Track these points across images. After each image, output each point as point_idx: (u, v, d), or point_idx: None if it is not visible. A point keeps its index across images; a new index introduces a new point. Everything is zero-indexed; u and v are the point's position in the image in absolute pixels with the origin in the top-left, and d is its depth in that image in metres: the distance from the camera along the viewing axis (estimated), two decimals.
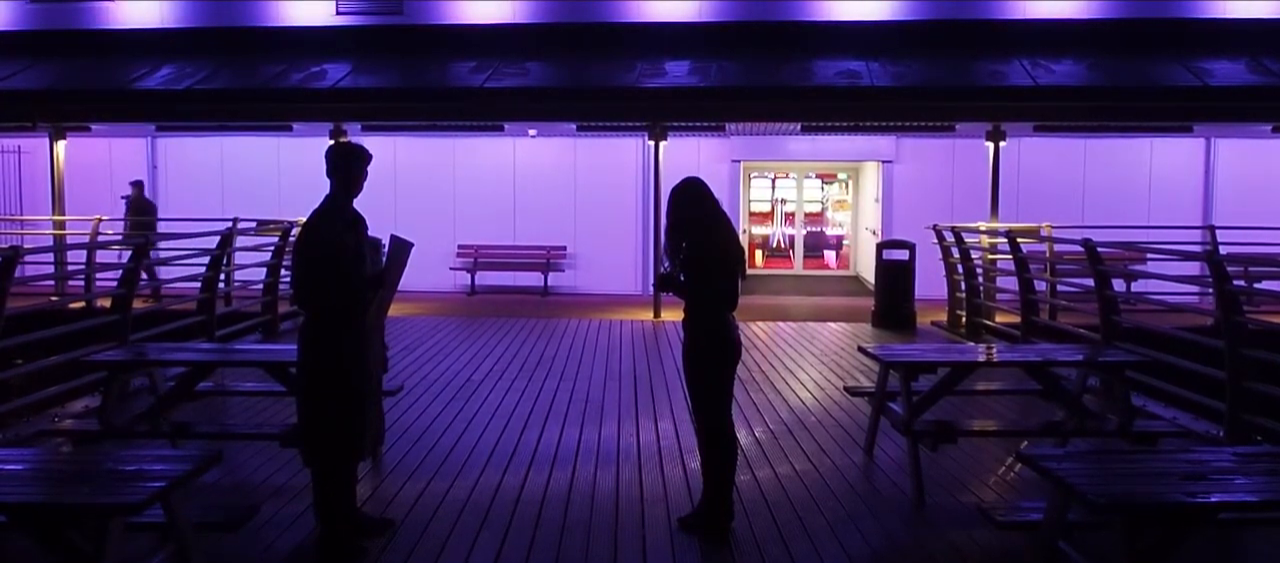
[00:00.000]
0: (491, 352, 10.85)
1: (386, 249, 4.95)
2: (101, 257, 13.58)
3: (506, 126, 17.53)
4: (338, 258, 4.66)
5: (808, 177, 21.89)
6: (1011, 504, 5.41)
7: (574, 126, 17.48)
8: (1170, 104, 14.21)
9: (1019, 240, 10.79)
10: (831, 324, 13.40)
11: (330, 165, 4.80)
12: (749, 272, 5.26)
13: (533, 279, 18.07)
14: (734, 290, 5.07)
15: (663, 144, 14.80)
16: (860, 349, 7.14)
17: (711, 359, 5.05)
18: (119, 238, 15.68)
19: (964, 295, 12.57)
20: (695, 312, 5.08)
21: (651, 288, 15.76)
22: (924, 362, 6.19)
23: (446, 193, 18.27)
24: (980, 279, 12.63)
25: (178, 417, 6.54)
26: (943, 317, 13.33)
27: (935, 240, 13.10)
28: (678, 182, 5.18)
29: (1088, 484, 3.77)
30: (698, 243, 5.03)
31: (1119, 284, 11.91)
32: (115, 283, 8.71)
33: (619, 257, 18.03)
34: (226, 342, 9.81)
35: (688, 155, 17.25)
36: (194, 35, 16.20)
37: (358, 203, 4.90)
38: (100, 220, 15.07)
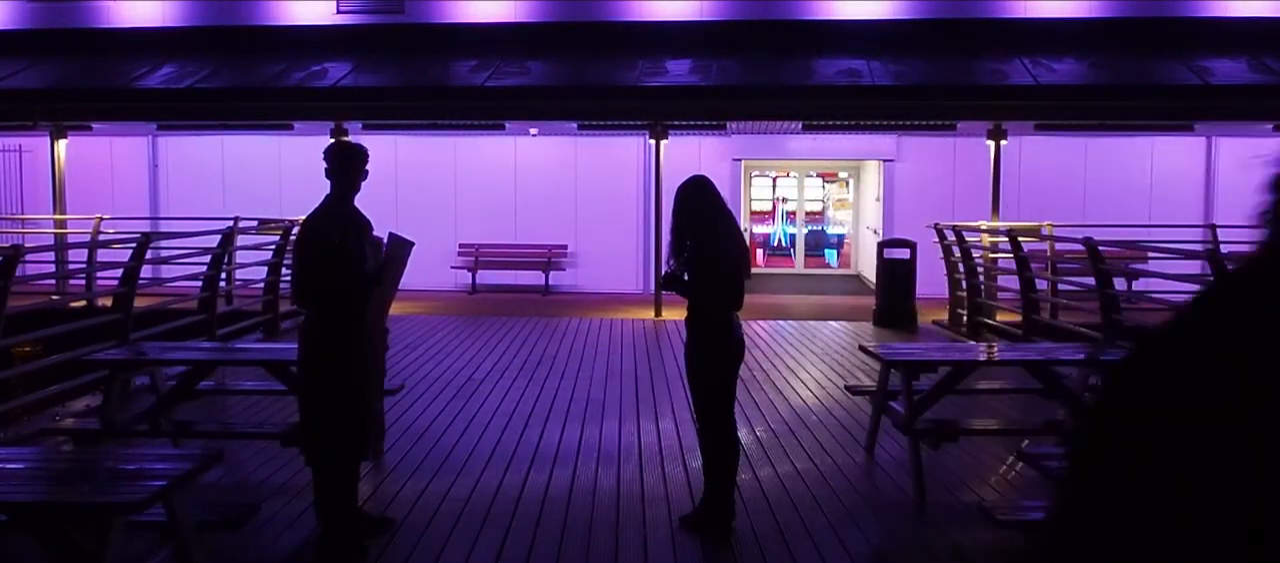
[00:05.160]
0: (492, 351, 10.85)
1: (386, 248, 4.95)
2: (102, 255, 13.57)
3: (507, 125, 17.53)
4: (336, 257, 4.66)
5: (809, 175, 21.89)
6: (1013, 503, 5.41)
7: (575, 125, 17.47)
8: (1171, 103, 14.21)
9: (1020, 239, 10.79)
10: (833, 323, 13.39)
11: (329, 165, 4.81)
12: (751, 270, 5.23)
13: (534, 278, 18.07)
14: (739, 290, 5.06)
15: (664, 143, 14.80)
16: (861, 348, 7.15)
17: (714, 359, 5.04)
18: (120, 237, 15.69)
19: (965, 294, 12.57)
20: (699, 311, 5.08)
21: (653, 286, 15.76)
22: (925, 360, 6.19)
23: (447, 192, 18.27)
24: (981, 278, 12.63)
25: (179, 416, 6.54)
26: (944, 315, 13.33)
27: (936, 239, 13.09)
28: (684, 179, 5.17)
29: None
30: (702, 242, 5.02)
31: (1120, 283, 11.90)
32: (116, 282, 8.72)
33: (620, 255, 18.02)
34: (227, 341, 9.81)
35: (689, 154, 17.23)
36: (195, 34, 16.20)
37: (358, 201, 4.90)
38: (101, 219, 15.08)
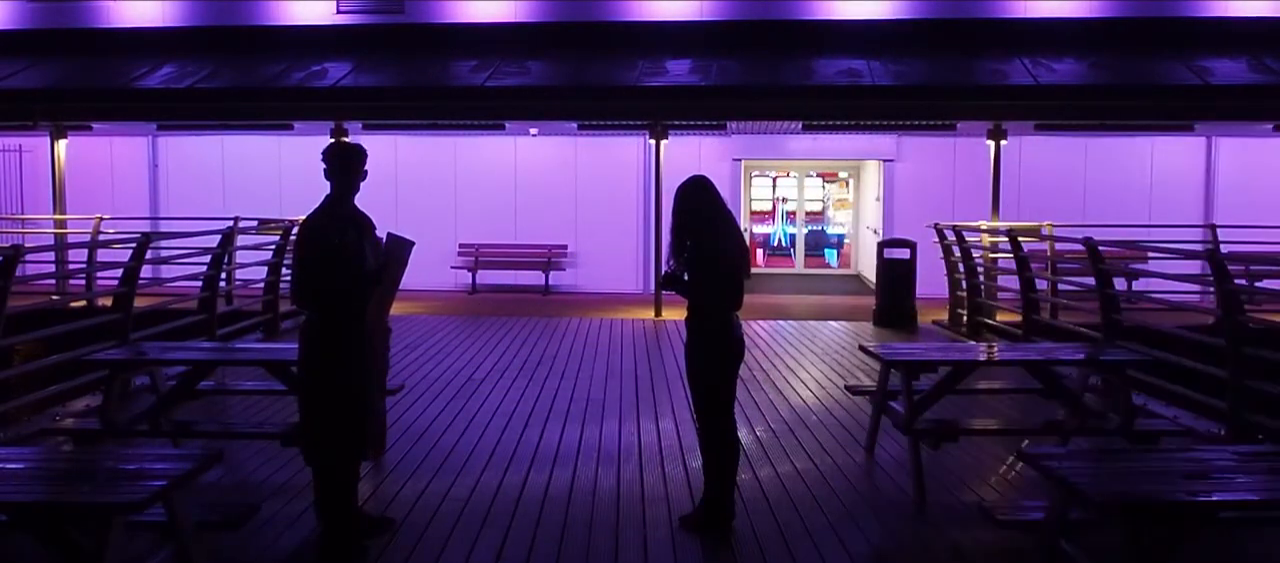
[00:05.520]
0: (493, 351, 10.85)
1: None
2: (102, 255, 13.58)
3: (507, 125, 17.53)
4: (336, 257, 4.66)
5: (809, 175, 21.89)
6: (1013, 503, 5.41)
7: (575, 125, 17.47)
8: (1171, 103, 14.20)
9: (1020, 239, 10.78)
10: (833, 323, 13.39)
11: (328, 165, 4.81)
12: (751, 270, 5.23)
13: (534, 278, 18.07)
14: (739, 290, 5.06)
15: (664, 143, 14.80)
16: (861, 348, 7.14)
17: (714, 359, 5.04)
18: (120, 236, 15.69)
19: (965, 294, 12.57)
20: (699, 311, 5.08)
21: (653, 286, 15.77)
22: (925, 360, 6.18)
23: (447, 192, 18.28)
24: (981, 278, 12.62)
25: (179, 416, 6.54)
26: (944, 315, 13.33)
27: (936, 239, 13.09)
28: (684, 179, 5.17)
29: (1089, 483, 3.77)
30: (702, 242, 5.02)
31: (1120, 283, 11.89)
32: (116, 282, 8.71)
33: (620, 255, 18.03)
34: (227, 341, 9.81)
35: (689, 154, 17.25)
36: (195, 34, 16.20)
37: (358, 202, 4.91)
38: (101, 219, 15.08)
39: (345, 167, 4.79)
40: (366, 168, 4.89)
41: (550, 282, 17.95)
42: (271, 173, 17.96)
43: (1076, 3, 15.44)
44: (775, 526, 5.24)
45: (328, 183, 4.82)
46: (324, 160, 4.82)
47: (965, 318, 12.52)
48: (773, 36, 15.56)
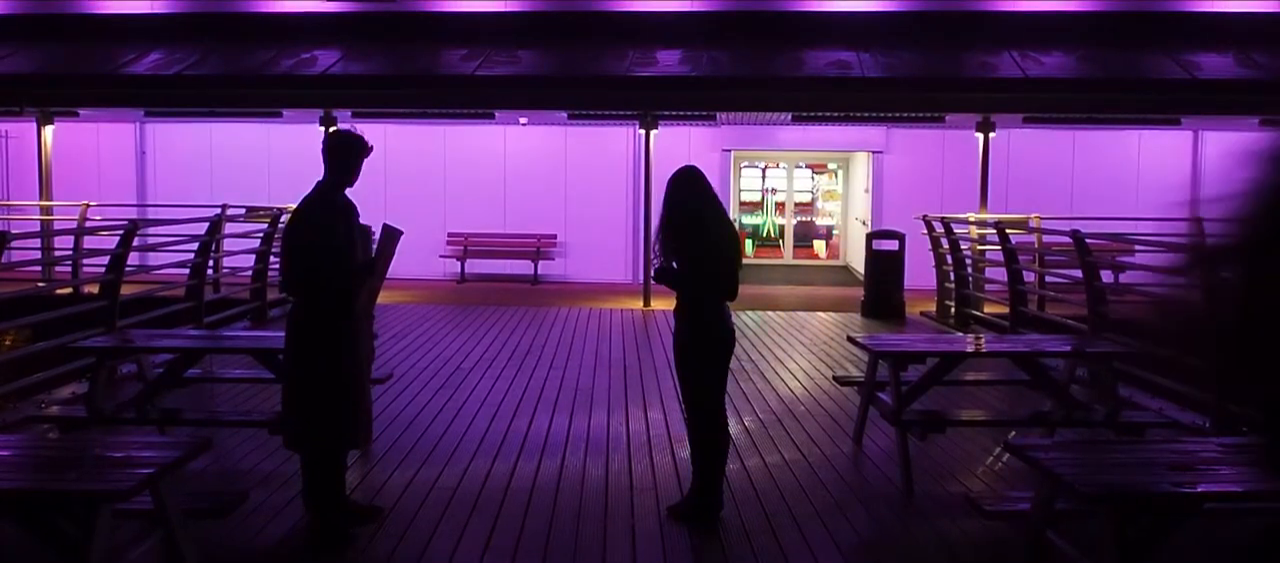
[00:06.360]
0: (481, 340, 10.85)
1: (377, 237, 4.94)
2: (89, 242, 13.51)
3: (497, 114, 17.46)
4: (327, 245, 4.65)
5: (798, 166, 21.91)
6: (999, 494, 5.44)
7: (565, 115, 17.43)
8: (1159, 97, 14.26)
9: (1008, 231, 10.82)
10: (821, 314, 13.42)
11: (328, 153, 4.79)
12: (742, 260, 5.24)
13: (523, 267, 18.05)
14: (732, 280, 5.07)
15: (653, 133, 14.79)
16: (849, 339, 7.16)
17: (704, 350, 5.05)
18: (107, 223, 15.61)
19: (953, 286, 12.61)
20: (689, 302, 5.08)
21: (642, 277, 15.77)
22: (913, 352, 6.21)
23: (437, 181, 18.23)
24: (969, 270, 12.67)
25: (166, 403, 6.52)
26: (932, 307, 13.37)
27: (925, 231, 13.13)
28: (675, 170, 5.17)
29: (1075, 474, 3.80)
30: (693, 233, 5.02)
31: (1107, 275, 11.94)
32: (103, 269, 8.68)
33: (609, 245, 18.02)
34: (215, 328, 9.78)
35: (678, 144, 17.23)
36: (183, 20, 16.09)
37: (349, 191, 4.89)
38: (88, 205, 14.99)
39: (343, 156, 4.77)
40: (364, 161, 4.87)
41: (539, 271, 17.94)
42: (260, 161, 17.88)
43: None
44: (763, 516, 5.25)
45: (324, 170, 4.79)
46: (324, 147, 4.80)
47: (953, 309, 12.56)
48: (763, 28, 15.55)
